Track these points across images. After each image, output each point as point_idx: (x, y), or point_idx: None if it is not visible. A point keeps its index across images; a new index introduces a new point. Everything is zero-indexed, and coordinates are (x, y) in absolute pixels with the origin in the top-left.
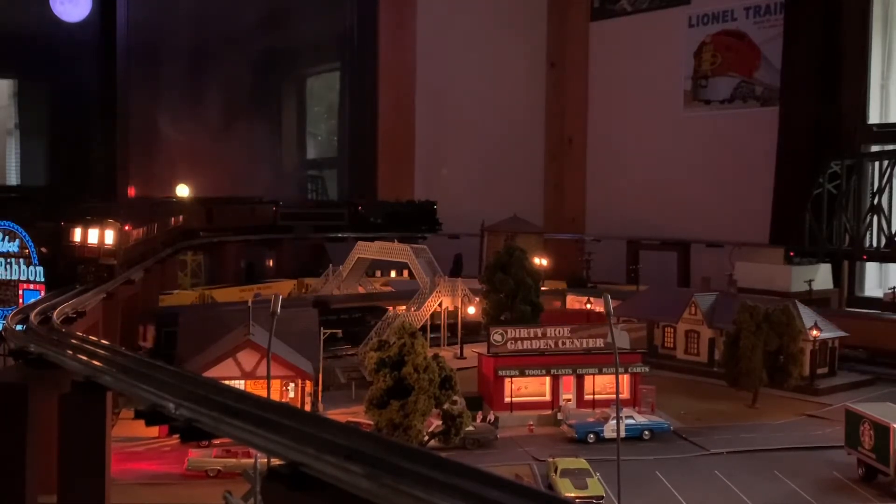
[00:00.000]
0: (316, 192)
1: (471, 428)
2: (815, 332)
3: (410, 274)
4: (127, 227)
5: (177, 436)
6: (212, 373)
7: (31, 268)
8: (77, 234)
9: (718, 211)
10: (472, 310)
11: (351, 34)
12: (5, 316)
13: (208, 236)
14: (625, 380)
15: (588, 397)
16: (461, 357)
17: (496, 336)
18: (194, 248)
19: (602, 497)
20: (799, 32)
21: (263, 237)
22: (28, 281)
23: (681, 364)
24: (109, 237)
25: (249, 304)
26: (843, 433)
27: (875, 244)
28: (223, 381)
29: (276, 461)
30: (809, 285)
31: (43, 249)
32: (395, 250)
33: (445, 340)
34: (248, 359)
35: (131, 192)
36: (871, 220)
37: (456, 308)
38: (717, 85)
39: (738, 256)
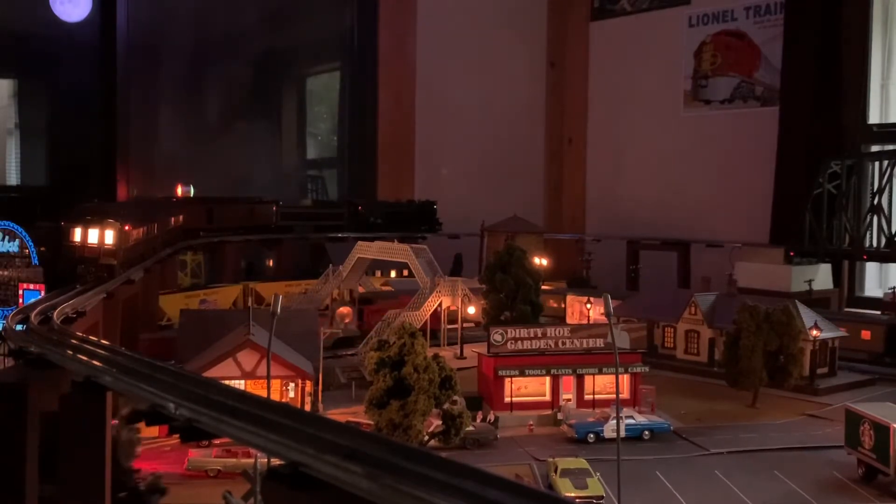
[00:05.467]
0: (316, 192)
1: (471, 428)
2: (815, 332)
3: (410, 274)
4: (127, 227)
5: (177, 436)
6: (212, 373)
7: (31, 268)
8: (77, 234)
9: (718, 211)
10: (472, 310)
11: (351, 34)
12: (5, 316)
13: (208, 236)
14: (625, 380)
15: (588, 397)
16: (461, 357)
17: (496, 336)
18: (194, 248)
19: (602, 497)
20: (799, 32)
21: (263, 237)
22: (28, 281)
23: (681, 364)
24: (109, 237)
25: (250, 305)
26: (843, 433)
27: (875, 244)
28: (223, 381)
29: (276, 461)
30: (809, 285)
31: (43, 249)
32: (395, 250)
33: (445, 340)
34: (248, 359)
35: (131, 192)
36: (871, 220)
37: (456, 308)
38: (717, 85)
39: (738, 256)
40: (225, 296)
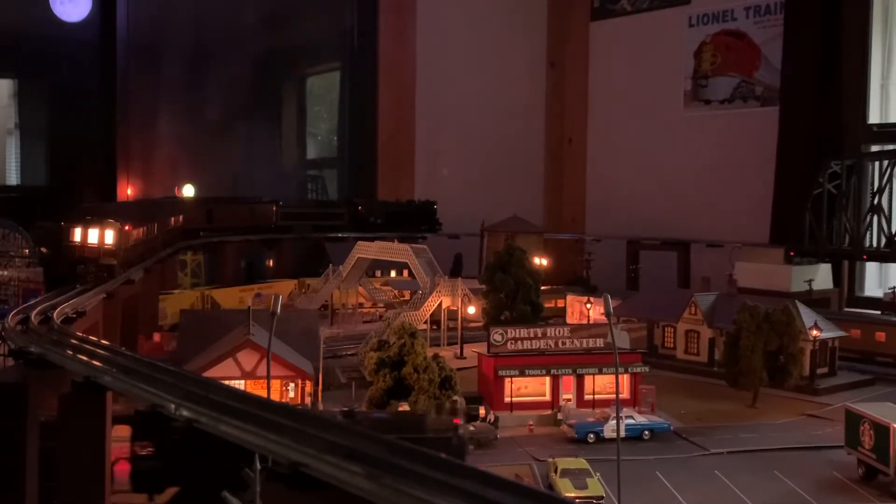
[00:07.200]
0: (316, 192)
1: (471, 428)
2: (815, 332)
3: (410, 274)
4: (127, 227)
5: None
6: (212, 373)
7: (31, 268)
8: (77, 234)
9: (718, 211)
10: (471, 310)
11: (351, 34)
12: (5, 316)
13: (208, 236)
14: (625, 380)
15: (588, 397)
16: (461, 357)
17: (496, 336)
18: (194, 248)
19: (602, 497)
20: (799, 32)
21: (263, 237)
22: (28, 281)
23: (681, 364)
24: (109, 237)
25: (250, 304)
26: (843, 433)
27: (875, 244)
28: (223, 381)
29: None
30: (809, 285)
31: (43, 249)
32: (395, 250)
33: (445, 340)
34: (248, 359)
35: (131, 192)
36: (871, 220)
37: (456, 308)
38: (717, 85)
39: (738, 256)
40: (178, 302)
